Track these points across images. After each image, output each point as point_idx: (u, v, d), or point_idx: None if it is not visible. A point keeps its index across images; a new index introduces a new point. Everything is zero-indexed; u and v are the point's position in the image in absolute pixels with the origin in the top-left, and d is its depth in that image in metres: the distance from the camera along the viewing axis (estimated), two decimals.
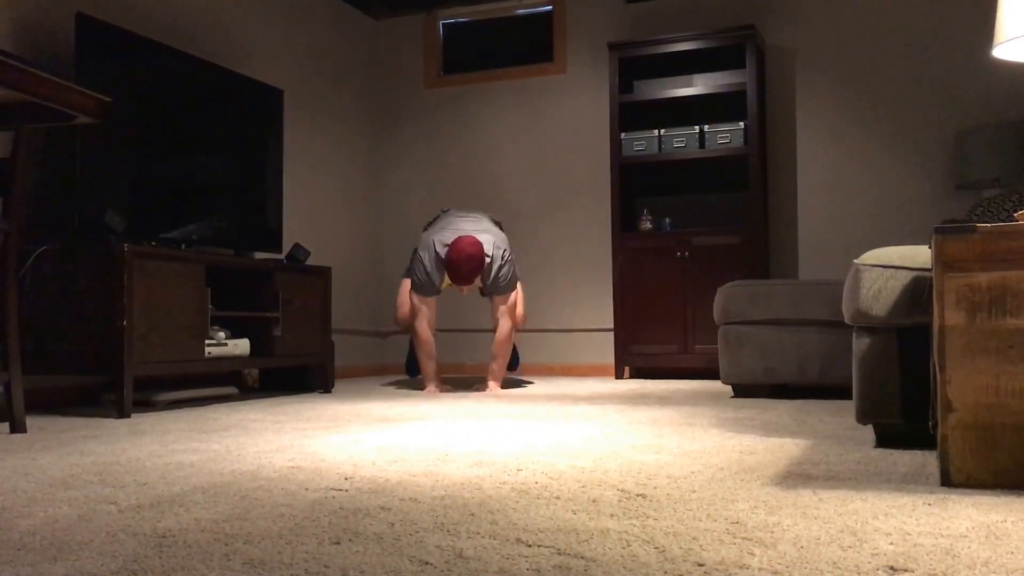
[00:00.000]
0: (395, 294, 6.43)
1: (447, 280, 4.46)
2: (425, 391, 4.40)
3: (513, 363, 5.00)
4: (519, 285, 4.60)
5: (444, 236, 4.38)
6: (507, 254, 4.42)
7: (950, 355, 1.71)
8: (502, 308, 4.47)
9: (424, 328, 4.44)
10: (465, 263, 4.22)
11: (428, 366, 4.46)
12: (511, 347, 4.58)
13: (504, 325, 4.47)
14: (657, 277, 5.30)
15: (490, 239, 4.38)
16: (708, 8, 5.68)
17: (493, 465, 2.06)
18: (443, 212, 4.70)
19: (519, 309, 4.62)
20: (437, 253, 4.35)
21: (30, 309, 3.43)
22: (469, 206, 6.18)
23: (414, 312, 4.45)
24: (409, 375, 5.15)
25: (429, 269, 4.35)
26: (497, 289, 4.42)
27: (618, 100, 5.43)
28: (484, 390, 4.47)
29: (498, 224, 4.67)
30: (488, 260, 4.34)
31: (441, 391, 4.40)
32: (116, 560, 1.24)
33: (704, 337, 5.18)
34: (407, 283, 4.57)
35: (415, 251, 4.48)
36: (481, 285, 4.47)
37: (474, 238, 4.28)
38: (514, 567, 1.17)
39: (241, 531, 1.40)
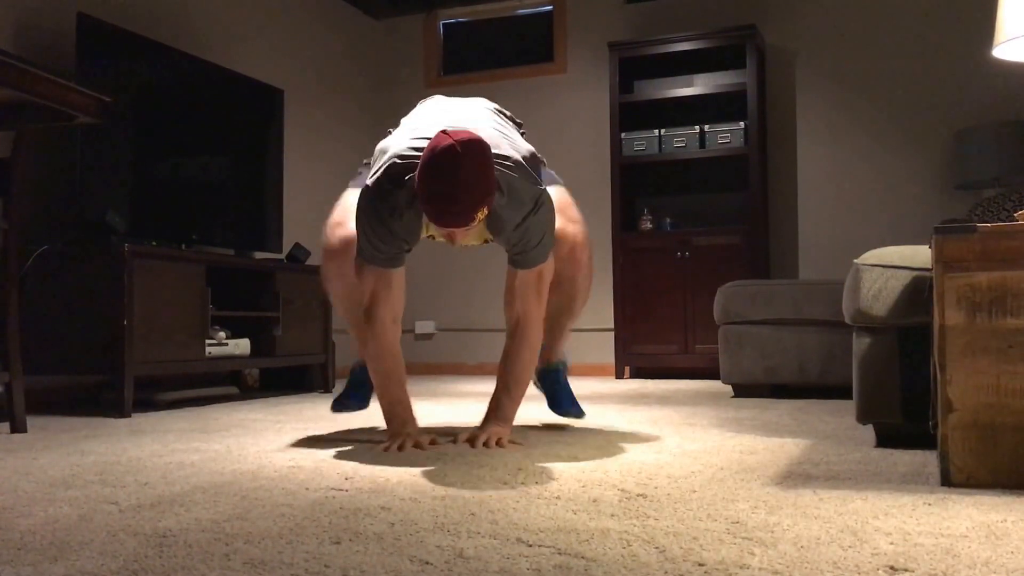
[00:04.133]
0: None
1: (426, 227, 2.36)
2: (391, 442, 2.25)
3: (562, 401, 2.73)
4: (574, 212, 2.62)
5: (420, 131, 2.27)
6: (543, 194, 2.27)
7: (950, 355, 1.71)
8: (526, 282, 2.34)
9: (383, 323, 2.29)
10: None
11: (393, 393, 2.33)
12: (534, 362, 2.41)
13: (529, 314, 2.35)
14: (657, 277, 5.30)
15: (512, 153, 2.24)
16: (708, 8, 5.68)
17: (493, 465, 2.06)
18: (422, 103, 2.62)
19: (581, 257, 2.59)
20: (404, 160, 2.20)
21: (30, 309, 3.43)
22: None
23: (369, 291, 2.30)
24: (337, 409, 2.76)
25: (388, 196, 2.19)
26: (525, 254, 2.31)
27: (618, 100, 5.43)
28: (484, 442, 2.30)
29: (520, 128, 2.56)
30: (508, 190, 2.19)
31: (427, 444, 2.27)
32: (116, 560, 1.25)
33: (704, 337, 5.17)
34: (347, 198, 2.60)
35: (365, 166, 2.60)
36: (492, 236, 2.36)
37: (470, 133, 2.09)
38: (514, 567, 1.17)
39: (241, 531, 1.40)
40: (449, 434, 2.53)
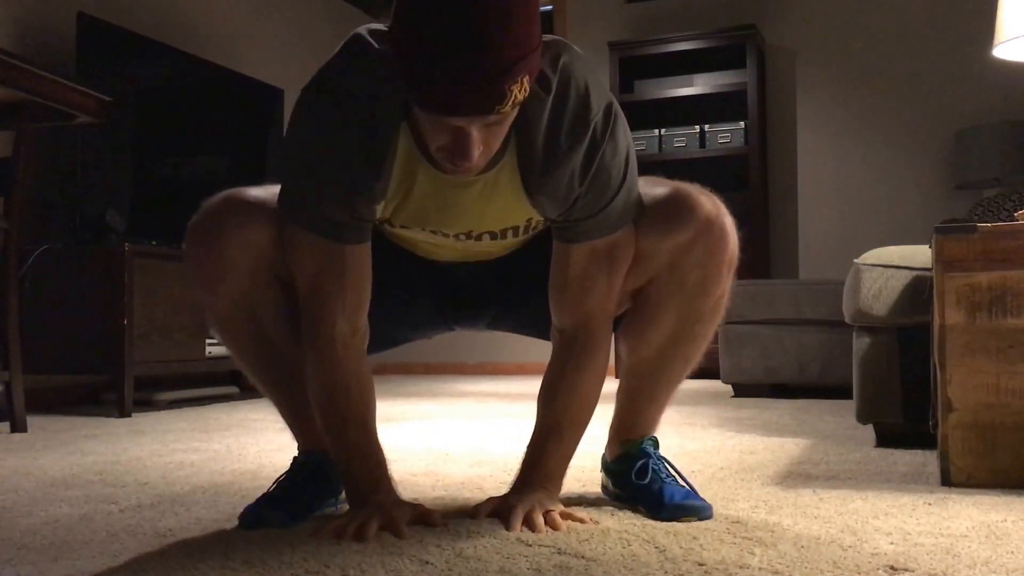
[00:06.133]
0: None
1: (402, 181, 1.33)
2: (348, 519, 1.33)
3: (671, 495, 1.44)
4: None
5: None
6: (613, 102, 1.40)
7: (950, 355, 1.71)
8: (591, 265, 1.44)
9: (332, 337, 1.38)
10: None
11: (354, 441, 1.42)
12: (599, 393, 1.54)
13: (596, 316, 1.49)
14: None
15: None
16: (708, 8, 5.68)
17: (493, 464, 2.07)
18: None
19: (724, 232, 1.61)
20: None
21: (30, 309, 3.43)
22: None
23: (308, 281, 1.41)
24: (248, 523, 1.41)
25: (359, 88, 1.29)
26: (594, 217, 1.39)
27: (618, 100, 5.42)
28: (527, 523, 1.36)
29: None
30: (559, 78, 1.29)
31: (404, 526, 1.32)
32: (116, 560, 1.25)
33: None
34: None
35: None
36: (530, 194, 1.33)
37: None
38: (514, 567, 1.17)
39: (241, 530, 1.40)
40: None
